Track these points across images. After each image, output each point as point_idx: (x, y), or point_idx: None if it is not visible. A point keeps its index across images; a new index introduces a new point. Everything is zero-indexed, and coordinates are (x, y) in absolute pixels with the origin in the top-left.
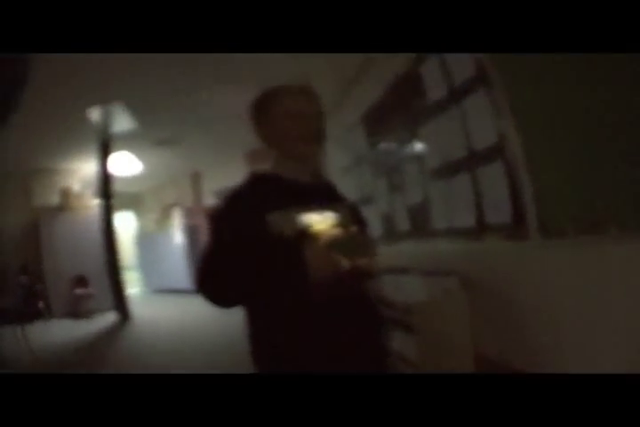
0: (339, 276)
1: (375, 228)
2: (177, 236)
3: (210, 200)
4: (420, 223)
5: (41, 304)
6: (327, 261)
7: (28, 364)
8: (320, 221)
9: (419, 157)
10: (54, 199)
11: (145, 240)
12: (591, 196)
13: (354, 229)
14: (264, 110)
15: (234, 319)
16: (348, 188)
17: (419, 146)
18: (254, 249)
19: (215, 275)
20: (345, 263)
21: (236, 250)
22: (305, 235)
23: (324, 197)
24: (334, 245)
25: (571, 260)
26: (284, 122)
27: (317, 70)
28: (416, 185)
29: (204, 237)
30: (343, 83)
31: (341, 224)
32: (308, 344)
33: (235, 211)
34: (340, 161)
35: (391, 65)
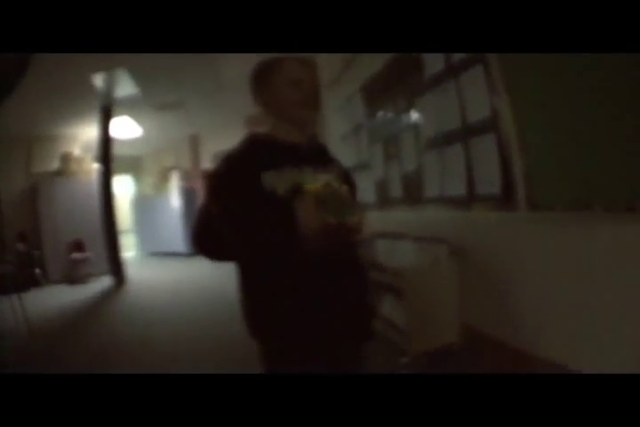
0: (326, 231)
1: (370, 194)
2: (174, 199)
3: (208, 163)
4: (413, 191)
5: (37, 271)
6: (315, 216)
7: (23, 333)
8: (311, 181)
9: (415, 127)
10: (54, 164)
11: (142, 204)
12: (578, 173)
13: (343, 189)
14: (264, 77)
15: (230, 282)
16: (345, 155)
17: (415, 116)
18: (248, 206)
19: (209, 231)
20: (331, 220)
21: (230, 207)
22: (296, 193)
23: (318, 159)
24: (323, 202)
25: (556, 233)
26: (283, 88)
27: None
28: (411, 154)
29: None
30: (345, 55)
31: (331, 185)
32: (295, 296)
33: (231, 170)
34: (338, 129)
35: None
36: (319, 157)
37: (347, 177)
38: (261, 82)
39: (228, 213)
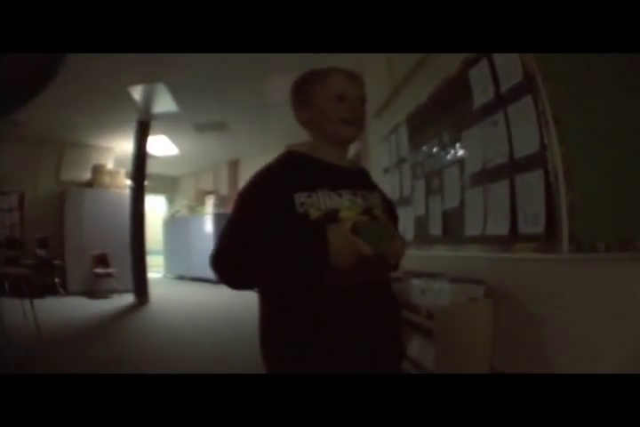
0: (361, 263)
1: (409, 231)
2: (208, 224)
3: None
4: (453, 229)
5: (57, 280)
6: (351, 247)
7: (32, 338)
8: (348, 206)
9: (459, 162)
10: (85, 175)
11: (175, 225)
12: (625, 212)
13: (382, 217)
14: (306, 89)
15: (255, 311)
16: (387, 188)
17: (460, 150)
18: (277, 229)
19: (231, 253)
20: (367, 250)
21: (257, 228)
22: (331, 218)
23: (357, 182)
24: (359, 230)
25: (600, 277)
26: (326, 102)
27: (369, 67)
28: (454, 190)
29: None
30: (394, 82)
31: (369, 211)
32: (319, 331)
33: (261, 186)
34: (381, 161)
35: (442, 67)
36: (360, 181)
37: (389, 206)
38: (303, 94)
39: (252, 235)
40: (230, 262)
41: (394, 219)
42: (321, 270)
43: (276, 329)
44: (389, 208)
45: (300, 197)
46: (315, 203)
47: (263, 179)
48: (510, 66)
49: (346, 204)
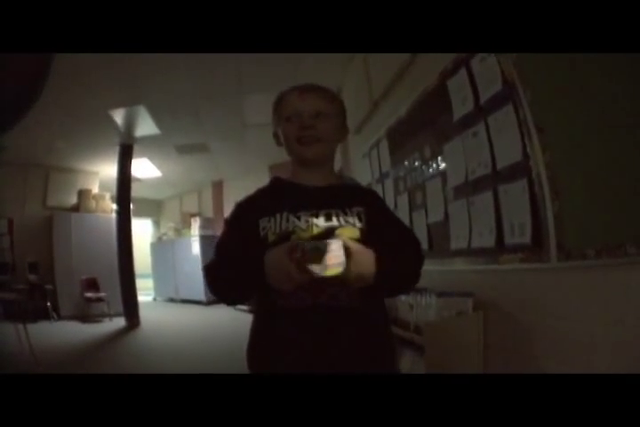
0: (306, 285)
1: None
2: (195, 246)
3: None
4: (438, 243)
5: (48, 304)
6: (283, 269)
7: (25, 361)
8: (303, 229)
9: (441, 175)
10: (71, 199)
11: (162, 248)
12: (613, 217)
13: (342, 237)
14: (275, 113)
15: (246, 332)
16: None
17: (442, 163)
18: (249, 253)
19: (214, 274)
20: (296, 275)
21: (230, 249)
22: (284, 241)
23: (328, 201)
24: (300, 253)
25: (589, 284)
26: (282, 124)
27: (348, 84)
28: (437, 203)
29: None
30: (370, 98)
31: (329, 232)
32: (275, 350)
33: (241, 213)
34: (363, 178)
35: (421, 80)
36: (334, 200)
37: (375, 221)
38: (273, 117)
39: (231, 258)
40: (211, 278)
41: (374, 235)
42: (262, 293)
43: (250, 342)
44: (374, 224)
45: (262, 222)
46: (272, 227)
47: (240, 205)
48: (489, 74)
49: (302, 226)
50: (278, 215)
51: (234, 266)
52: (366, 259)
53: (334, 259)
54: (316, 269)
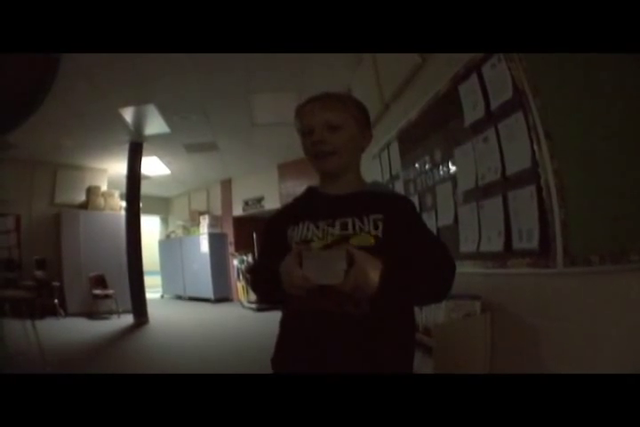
0: (312, 291)
1: None
2: (203, 244)
3: (239, 210)
4: (448, 246)
5: (56, 301)
6: (291, 275)
7: (33, 358)
8: (320, 237)
9: (452, 179)
10: (79, 197)
11: (170, 246)
12: (618, 225)
13: (348, 247)
14: (296, 126)
15: (254, 329)
16: None
17: (452, 167)
18: (278, 260)
19: (252, 279)
20: (299, 281)
21: (266, 259)
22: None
23: (347, 210)
24: (306, 261)
25: (595, 289)
26: (302, 139)
27: (359, 85)
28: (447, 207)
29: (230, 245)
30: (384, 98)
31: (341, 240)
32: (288, 348)
33: (275, 222)
34: (374, 178)
35: (432, 83)
36: (352, 208)
37: (393, 228)
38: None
39: (263, 264)
40: (250, 282)
41: (393, 242)
42: (279, 296)
43: (278, 346)
44: (394, 231)
45: (289, 231)
46: (295, 235)
47: (275, 214)
48: (500, 81)
49: (319, 234)
50: (301, 224)
51: (263, 272)
52: (370, 268)
53: (332, 267)
54: (313, 276)
